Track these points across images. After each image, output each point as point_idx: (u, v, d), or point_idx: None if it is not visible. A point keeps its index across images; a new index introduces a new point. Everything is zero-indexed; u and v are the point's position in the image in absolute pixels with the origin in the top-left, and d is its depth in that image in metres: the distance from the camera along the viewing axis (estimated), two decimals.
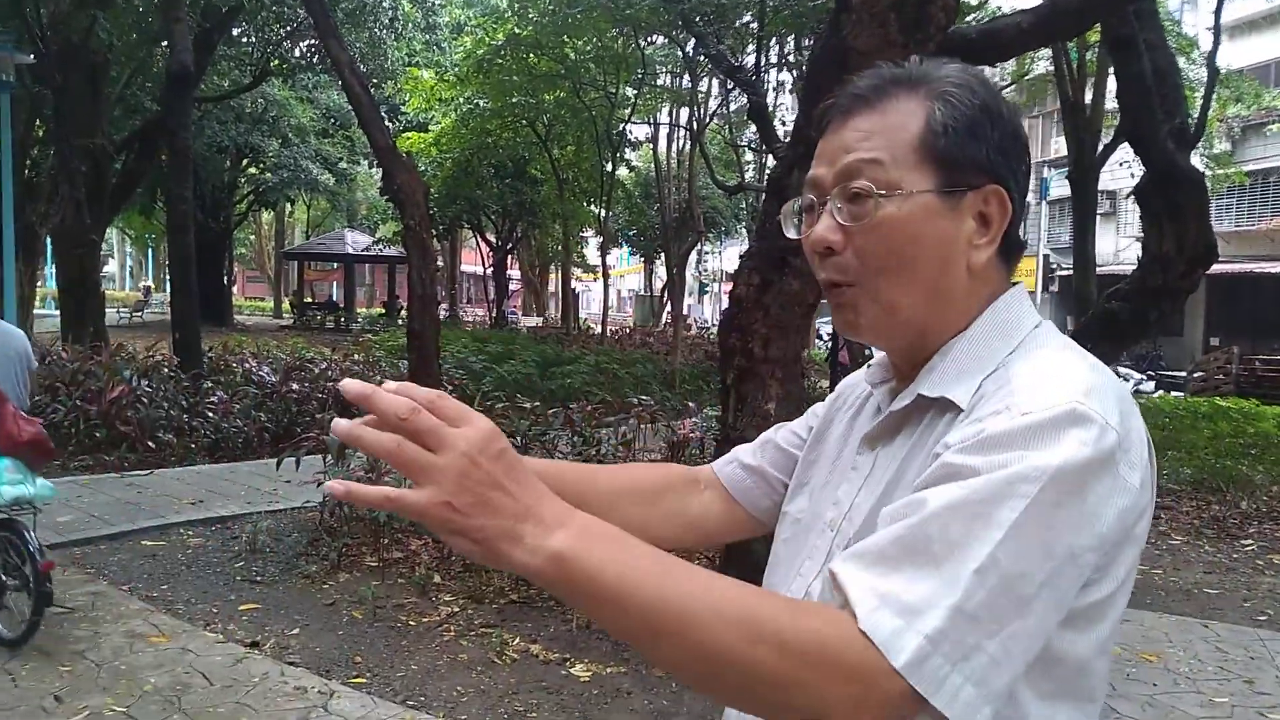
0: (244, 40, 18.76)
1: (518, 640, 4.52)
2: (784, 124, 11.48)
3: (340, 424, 0.71)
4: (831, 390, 1.22)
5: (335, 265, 41.55)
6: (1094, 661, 0.81)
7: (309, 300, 32.28)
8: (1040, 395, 0.77)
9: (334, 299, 34.75)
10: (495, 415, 7.06)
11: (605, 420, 6.80)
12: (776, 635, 0.70)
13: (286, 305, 36.17)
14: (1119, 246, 29.01)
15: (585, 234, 33.80)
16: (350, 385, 0.71)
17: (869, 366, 1.07)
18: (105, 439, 8.22)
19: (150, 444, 8.23)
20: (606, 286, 20.81)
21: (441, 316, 29.57)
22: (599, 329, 25.77)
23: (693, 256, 34.76)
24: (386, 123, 27.91)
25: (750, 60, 9.95)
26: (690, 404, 8.30)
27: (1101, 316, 7.42)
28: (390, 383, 0.72)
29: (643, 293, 43.34)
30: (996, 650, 0.71)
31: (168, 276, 54.49)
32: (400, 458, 0.69)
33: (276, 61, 18.13)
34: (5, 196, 10.89)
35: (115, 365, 8.96)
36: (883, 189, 0.88)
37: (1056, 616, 0.75)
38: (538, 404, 7.33)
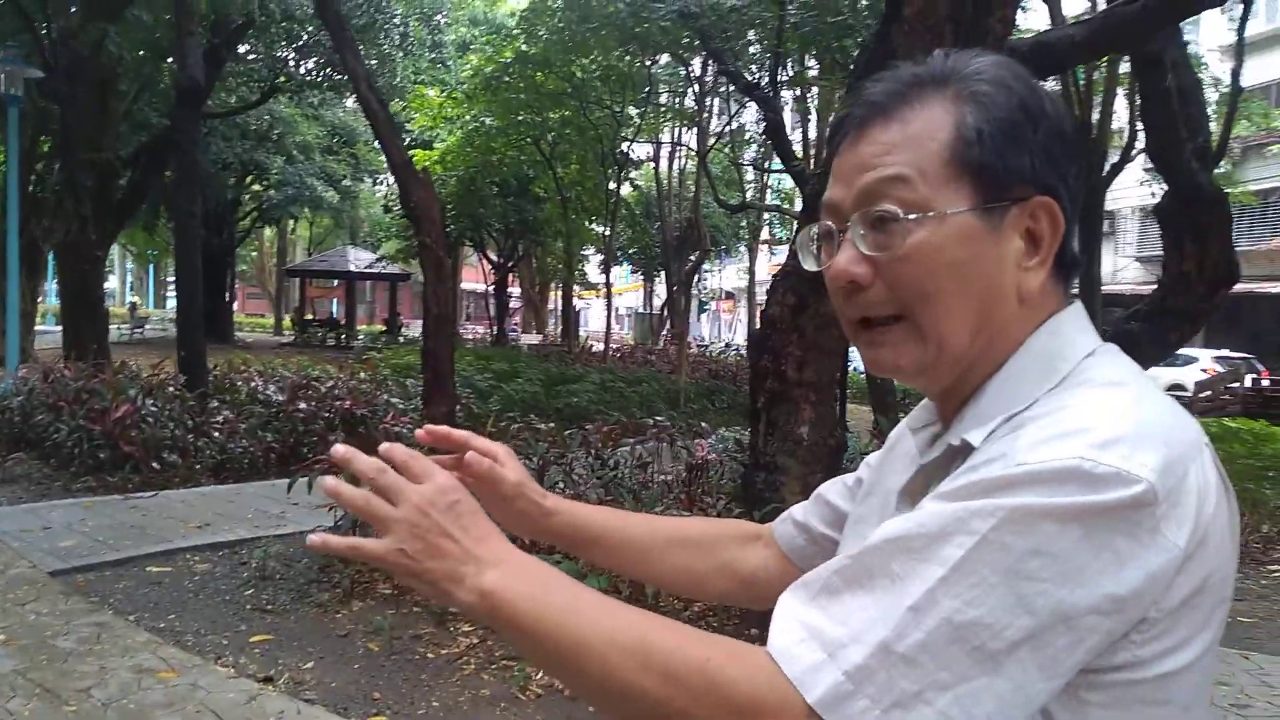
0: (251, 57, 18.75)
1: (541, 675, 4.35)
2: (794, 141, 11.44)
3: (330, 475, 0.82)
4: (877, 416, 1.13)
5: (336, 282, 41.52)
6: None
7: (310, 317, 32.17)
8: (1045, 447, 0.67)
9: (335, 316, 34.64)
10: (510, 437, 6.91)
11: (622, 441, 6.65)
12: (664, 664, 0.68)
13: (288, 322, 36.07)
14: (1117, 266, 28.99)
15: (586, 252, 33.76)
16: (337, 450, 0.81)
17: (914, 410, 0.97)
18: (109, 459, 8.05)
19: (155, 465, 8.06)
20: (610, 304, 20.70)
21: None
22: (599, 346, 25.69)
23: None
24: None
25: (764, 78, 9.87)
26: (704, 424, 8.14)
27: (1120, 337, 7.30)
28: (385, 445, 0.82)
29: (642, 310, 43.32)
30: (950, 707, 0.63)
31: (168, 294, 54.44)
32: (365, 511, 0.77)
33: (284, 79, 18.08)
34: (11, 211, 10.79)
35: (120, 384, 8.80)
36: (911, 211, 0.76)
37: (1046, 684, 0.65)
38: (552, 425, 7.18)
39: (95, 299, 12.09)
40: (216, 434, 8.71)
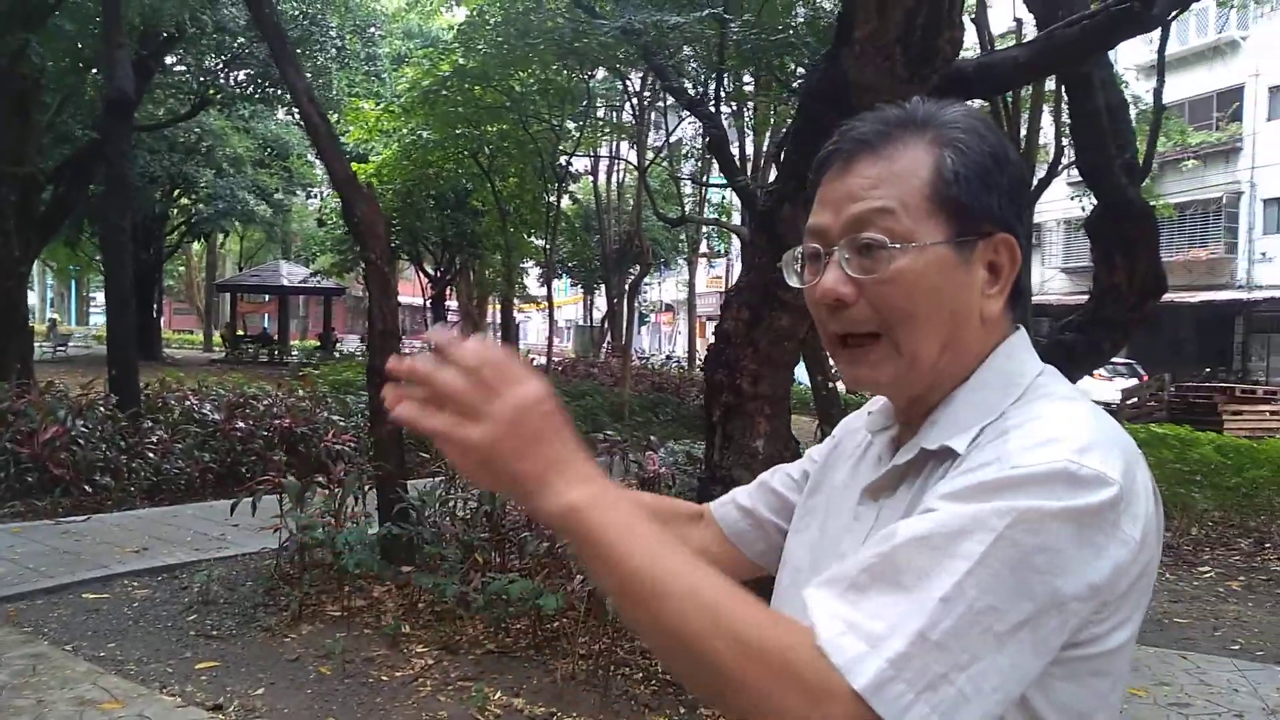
0: (179, 69, 18.31)
1: (499, 694, 4.31)
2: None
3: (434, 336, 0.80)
4: (820, 424, 1.23)
5: (268, 298, 40.66)
6: (1096, 716, 0.81)
7: (242, 333, 31.45)
8: (1034, 451, 0.77)
9: (268, 331, 33.92)
10: None
11: None
12: (739, 633, 0.72)
13: (218, 338, 35.21)
14: (1044, 277, 29.87)
15: (525, 264, 33.62)
16: (437, 334, 0.80)
17: (869, 413, 1.05)
18: (37, 482, 7.76)
19: (87, 488, 7.80)
20: (552, 317, 20.63)
21: None
22: (539, 360, 25.57)
23: (629, 287, 34.90)
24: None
25: (706, 93, 9.96)
26: (651, 438, 8.16)
27: (1057, 347, 7.51)
28: (476, 341, 0.80)
29: (582, 323, 43.24)
30: (966, 685, 0.71)
31: (91, 310, 52.65)
32: (464, 395, 0.76)
33: (214, 91, 17.68)
34: None
35: (48, 404, 8.49)
36: (896, 240, 0.86)
37: (1036, 662, 0.74)
38: None
39: (19, 316, 11.64)
40: (151, 455, 8.46)
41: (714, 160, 26.03)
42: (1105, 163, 7.26)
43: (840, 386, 8.15)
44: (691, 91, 10.21)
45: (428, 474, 7.13)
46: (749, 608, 0.75)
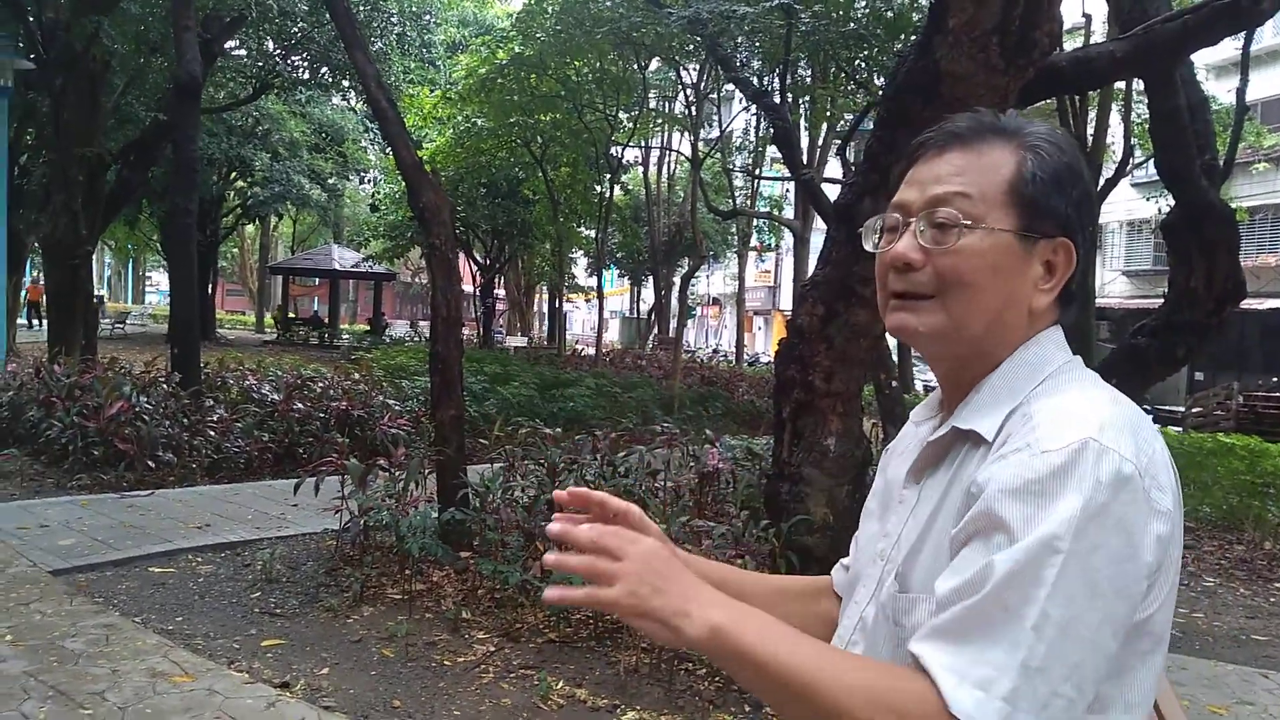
0: (239, 53, 18.53)
1: (562, 684, 4.29)
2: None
3: (553, 529, 0.93)
4: (883, 425, 1.30)
5: (317, 281, 41.15)
6: (1137, 672, 0.90)
7: (293, 316, 31.86)
8: (1058, 432, 0.86)
9: (318, 314, 34.32)
10: (518, 442, 6.85)
11: (632, 447, 6.60)
12: (886, 703, 0.84)
13: (269, 320, 35.72)
14: (1104, 280, 29.23)
15: (573, 254, 33.63)
16: (553, 529, 0.92)
17: (915, 409, 1.16)
18: (103, 457, 7.91)
19: (150, 463, 7.93)
20: (602, 308, 20.61)
21: (429, 335, 29.20)
22: (586, 350, 25.57)
23: (678, 280, 34.80)
24: (378, 140, 27.73)
25: (772, 85, 9.81)
26: (708, 431, 8.10)
27: (1129, 352, 7.33)
28: (601, 494, 0.99)
29: (628, 314, 43.20)
30: (1071, 690, 0.81)
31: (147, 289, 53.68)
32: (593, 572, 0.89)
33: (274, 76, 17.87)
34: (0, 205, 10.60)
35: (114, 380, 8.64)
36: (968, 220, 0.96)
37: (1115, 643, 0.84)
38: (558, 430, 7.11)
39: (85, 294, 11.88)
40: (212, 433, 8.58)
41: (765, 153, 25.91)
42: (1186, 163, 7.06)
43: (899, 385, 8.05)
44: (759, 84, 10.07)
45: (486, 459, 7.14)
46: (883, 676, 0.87)
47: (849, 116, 12.74)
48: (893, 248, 1.00)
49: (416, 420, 9.65)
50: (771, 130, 8.70)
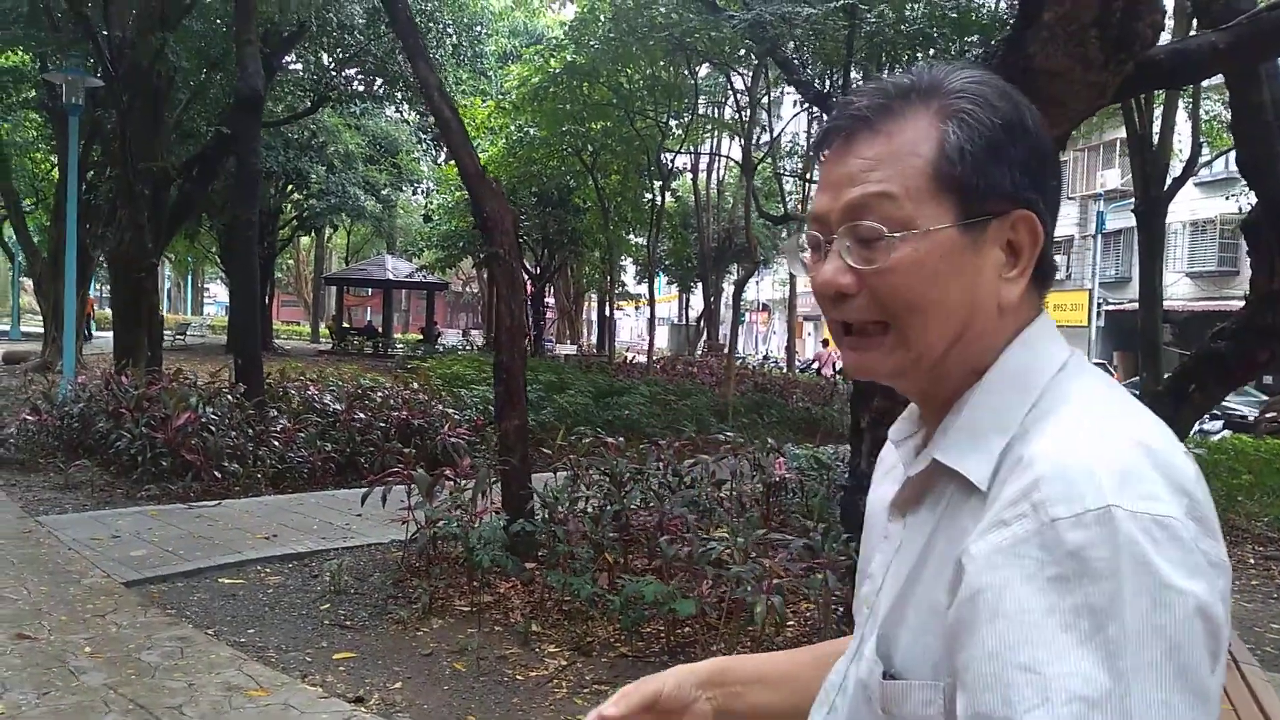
0: (294, 67, 18.82)
1: None
2: None
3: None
4: None
5: (370, 291, 41.68)
6: None
7: (348, 325, 32.28)
8: (1068, 489, 0.69)
9: (372, 324, 34.74)
10: (584, 452, 6.79)
11: (697, 457, 6.51)
12: None
13: (324, 330, 36.23)
14: (1167, 281, 28.50)
15: (623, 262, 33.66)
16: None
17: (895, 423, 0.97)
18: (170, 467, 8.01)
19: (216, 474, 8.02)
20: (653, 315, 20.56)
21: (480, 344, 29.30)
22: (636, 357, 25.52)
23: (728, 287, 34.66)
24: (432, 151, 28.02)
25: (834, 87, 9.68)
26: (770, 440, 7.98)
27: (1207, 357, 7.08)
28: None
29: (677, 321, 43.12)
30: None
31: (205, 300, 54.86)
32: None
33: (331, 89, 18.13)
34: (70, 219, 10.85)
35: (180, 392, 8.77)
36: (896, 228, 0.79)
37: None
38: (621, 439, 7.05)
39: (150, 306, 12.11)
40: (276, 443, 8.65)
41: (817, 157, 25.68)
42: (1269, 159, 6.81)
43: None
44: (821, 88, 9.93)
45: (549, 469, 7.10)
46: None
47: None
48: (819, 272, 0.83)
49: (476, 429, 9.66)
50: None
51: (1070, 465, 0.70)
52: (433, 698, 4.18)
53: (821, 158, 0.87)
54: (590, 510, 5.74)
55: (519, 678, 4.44)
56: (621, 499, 5.45)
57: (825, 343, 38.95)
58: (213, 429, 8.26)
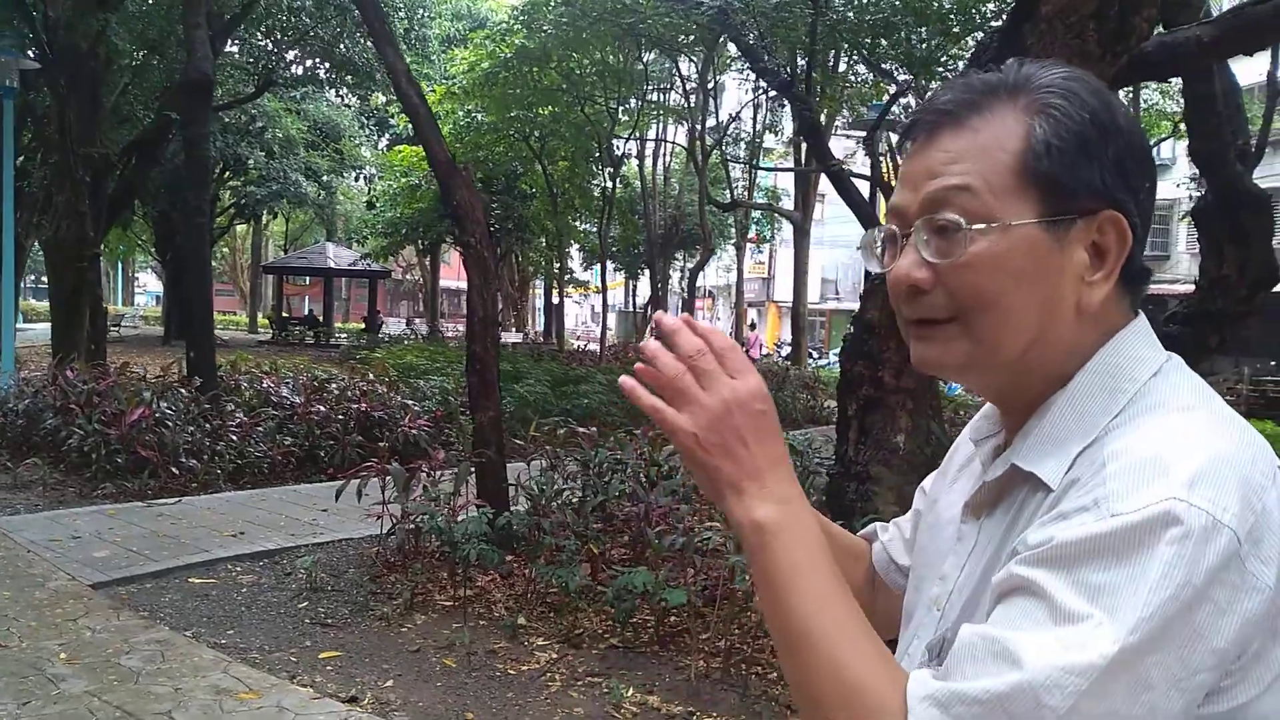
0: (232, 51, 18.28)
1: (632, 691, 4.21)
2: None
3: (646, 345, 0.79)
4: None
5: (309, 280, 40.81)
6: None
7: (287, 315, 31.60)
8: (1135, 487, 0.67)
9: (312, 313, 34.06)
10: (560, 442, 6.75)
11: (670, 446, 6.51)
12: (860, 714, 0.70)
13: (262, 320, 35.42)
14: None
15: (569, 249, 33.50)
16: (663, 317, 0.80)
17: (973, 421, 0.97)
18: (125, 464, 7.77)
19: (174, 469, 7.80)
20: (605, 303, 20.53)
21: (425, 332, 28.84)
22: (584, 345, 25.44)
23: (674, 273, 34.69)
24: (374, 136, 27.53)
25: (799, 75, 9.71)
26: None
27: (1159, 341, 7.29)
28: (707, 326, 0.79)
29: (624, 308, 43.04)
30: None
31: (136, 290, 53.13)
32: (675, 383, 0.76)
33: (274, 72, 17.66)
34: (5, 207, 10.43)
35: (134, 386, 8.49)
36: (975, 221, 0.77)
37: None
38: (594, 429, 7.03)
39: (93, 297, 11.70)
40: (234, 437, 8.44)
41: (762, 144, 25.78)
42: (1221, 149, 7.02)
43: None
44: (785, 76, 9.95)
45: (521, 460, 7.05)
46: (880, 688, 0.71)
47: (863, 108, 12.68)
48: (895, 267, 0.82)
49: (436, 421, 9.55)
50: (796, 121, 8.59)
51: (1143, 464, 0.69)
52: (426, 695, 4.14)
53: (903, 152, 0.85)
54: (573, 502, 5.71)
55: (511, 672, 4.42)
56: (604, 489, 5.43)
57: (752, 326, 39.28)
58: (168, 424, 8.03)
